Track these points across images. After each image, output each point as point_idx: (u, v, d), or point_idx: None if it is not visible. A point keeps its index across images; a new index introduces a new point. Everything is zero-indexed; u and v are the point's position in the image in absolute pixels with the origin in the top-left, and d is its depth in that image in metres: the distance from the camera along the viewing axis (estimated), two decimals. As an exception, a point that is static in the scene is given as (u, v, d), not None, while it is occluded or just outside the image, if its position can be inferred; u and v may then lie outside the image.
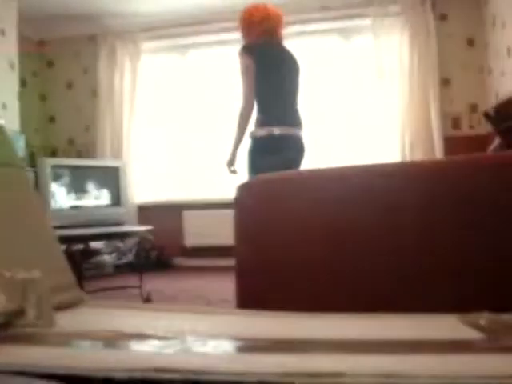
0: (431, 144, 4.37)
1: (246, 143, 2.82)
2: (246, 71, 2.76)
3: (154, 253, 4.67)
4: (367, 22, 4.57)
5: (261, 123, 2.76)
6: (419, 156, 4.33)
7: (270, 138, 2.71)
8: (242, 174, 2.79)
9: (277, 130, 2.70)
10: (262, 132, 2.73)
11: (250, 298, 1.13)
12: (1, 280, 0.61)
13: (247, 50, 2.78)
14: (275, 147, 2.71)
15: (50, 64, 5.41)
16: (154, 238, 4.52)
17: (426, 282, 0.97)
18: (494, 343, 0.58)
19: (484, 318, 0.69)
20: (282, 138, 2.72)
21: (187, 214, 4.88)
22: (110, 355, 0.57)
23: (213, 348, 0.60)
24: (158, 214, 4.87)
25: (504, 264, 0.93)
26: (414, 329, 0.71)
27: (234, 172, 2.95)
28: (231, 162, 2.92)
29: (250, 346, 0.60)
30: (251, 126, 2.82)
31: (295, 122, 2.83)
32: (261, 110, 2.79)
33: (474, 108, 4.43)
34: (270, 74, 2.78)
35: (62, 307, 0.87)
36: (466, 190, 0.99)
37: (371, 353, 0.57)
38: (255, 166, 2.73)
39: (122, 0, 4.68)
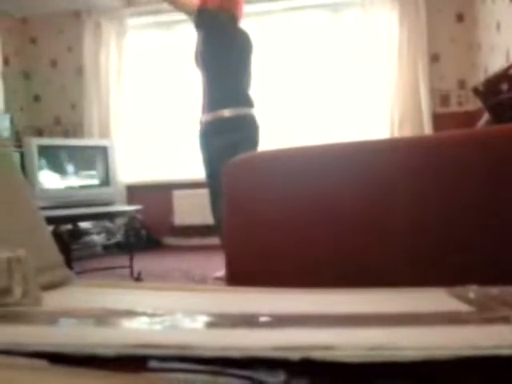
0: (420, 121, 4.38)
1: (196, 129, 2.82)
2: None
3: (144, 232, 4.66)
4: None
5: (210, 108, 2.72)
6: (408, 133, 4.34)
7: (220, 120, 2.67)
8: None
9: (227, 112, 2.67)
10: (210, 116, 2.70)
11: (240, 275, 1.13)
12: (-16, 259, 0.60)
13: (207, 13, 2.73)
14: (225, 128, 2.67)
15: (33, 41, 5.30)
16: (144, 217, 4.51)
17: (415, 256, 0.97)
18: (482, 315, 0.59)
19: (472, 291, 0.70)
20: (232, 120, 2.68)
21: (177, 194, 4.86)
22: (97, 332, 0.57)
23: (201, 324, 0.60)
24: (147, 193, 4.85)
25: (493, 239, 0.94)
26: (402, 302, 0.72)
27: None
28: None
29: (238, 321, 0.60)
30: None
31: (247, 102, 2.78)
32: (210, 92, 2.74)
33: (462, 84, 4.42)
34: (222, 50, 2.72)
35: (49, 286, 0.86)
36: (454, 166, 0.99)
37: (360, 326, 0.57)
38: (207, 149, 2.71)
39: (106, -25, 4.58)
